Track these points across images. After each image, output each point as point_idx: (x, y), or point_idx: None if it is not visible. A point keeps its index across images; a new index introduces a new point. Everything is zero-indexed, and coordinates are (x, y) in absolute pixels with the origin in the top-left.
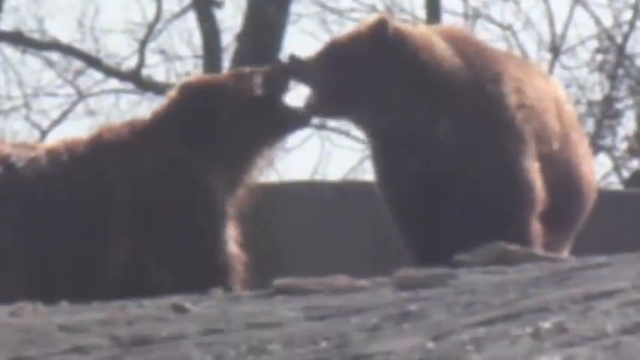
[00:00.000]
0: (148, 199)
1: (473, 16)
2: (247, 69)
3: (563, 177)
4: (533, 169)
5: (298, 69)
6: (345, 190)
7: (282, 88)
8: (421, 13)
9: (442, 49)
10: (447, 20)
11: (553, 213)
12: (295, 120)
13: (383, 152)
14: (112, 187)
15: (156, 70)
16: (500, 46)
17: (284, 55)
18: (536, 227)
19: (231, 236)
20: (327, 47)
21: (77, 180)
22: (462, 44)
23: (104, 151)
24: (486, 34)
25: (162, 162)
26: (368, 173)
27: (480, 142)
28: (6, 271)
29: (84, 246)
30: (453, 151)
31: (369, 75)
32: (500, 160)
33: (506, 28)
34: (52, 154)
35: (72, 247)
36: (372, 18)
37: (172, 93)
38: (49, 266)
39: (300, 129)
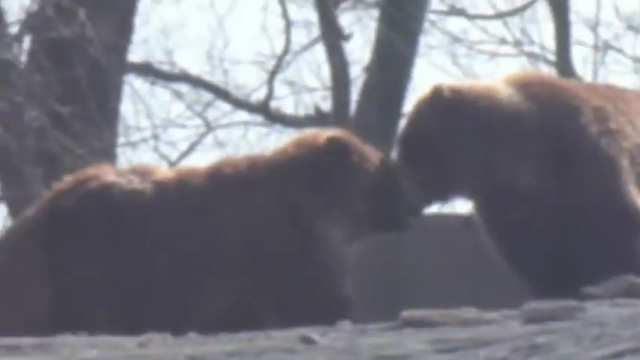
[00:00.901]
0: (260, 240)
1: (603, 48)
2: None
3: None
4: (631, 192)
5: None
6: (473, 223)
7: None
8: (551, 44)
9: (507, 96)
10: (577, 52)
11: None
12: (404, 224)
13: (484, 205)
14: (227, 227)
15: (284, 102)
16: (631, 78)
17: (412, 89)
18: None
19: (346, 284)
20: (399, 142)
21: (186, 216)
22: (537, 87)
23: (221, 186)
24: (617, 67)
25: (280, 204)
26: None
27: (567, 181)
28: (102, 306)
29: (184, 285)
30: (542, 195)
31: (444, 145)
32: (591, 193)
33: (637, 60)
34: (161, 185)
35: (171, 285)
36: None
37: (313, 141)
38: (146, 304)
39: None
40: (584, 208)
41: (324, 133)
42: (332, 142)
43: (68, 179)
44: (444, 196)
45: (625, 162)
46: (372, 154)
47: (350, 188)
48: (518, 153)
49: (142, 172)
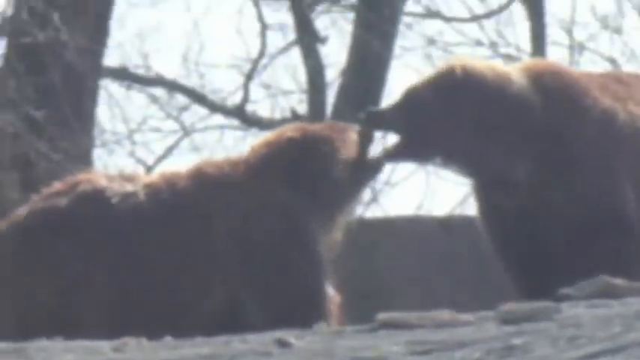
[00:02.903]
0: (251, 236)
1: (578, 48)
2: (341, 123)
3: None
4: (625, 200)
5: (378, 121)
6: (450, 226)
7: (367, 144)
8: (526, 45)
9: (519, 87)
10: (552, 53)
11: None
12: (368, 171)
13: (479, 188)
14: (216, 223)
15: (260, 105)
16: None
17: (388, 91)
18: (633, 257)
19: (327, 278)
20: (405, 95)
21: (178, 215)
22: (549, 79)
23: (206, 186)
24: (593, 67)
25: (266, 200)
26: (473, 208)
27: (563, 180)
28: (100, 306)
29: (183, 283)
30: (537, 189)
31: (442, 121)
32: (586, 195)
33: (612, 61)
34: (151, 188)
35: (170, 284)
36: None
37: (273, 140)
38: (145, 303)
39: (372, 179)
40: (576, 211)
41: (286, 131)
42: (286, 140)
43: (57, 184)
44: (416, 156)
45: (625, 170)
46: (328, 132)
47: (322, 177)
48: (518, 148)
49: (130, 177)
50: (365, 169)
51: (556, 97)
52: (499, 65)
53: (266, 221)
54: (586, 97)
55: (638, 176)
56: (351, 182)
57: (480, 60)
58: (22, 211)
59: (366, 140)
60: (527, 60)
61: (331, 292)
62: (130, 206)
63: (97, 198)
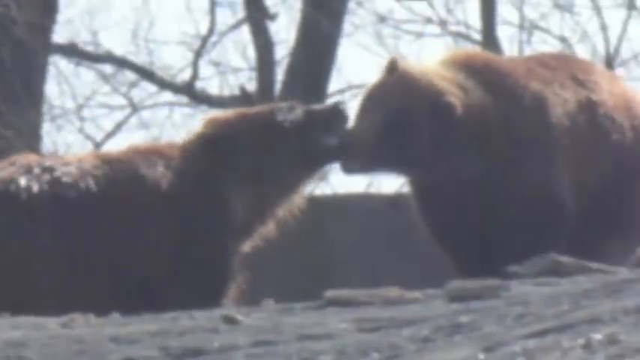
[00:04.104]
0: (173, 209)
1: (529, 27)
2: (286, 104)
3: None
4: (558, 183)
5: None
6: (399, 203)
7: (322, 126)
8: (476, 23)
9: (472, 89)
10: (503, 31)
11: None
12: (327, 155)
13: (420, 189)
14: (146, 189)
15: (210, 82)
16: None
17: (337, 69)
18: (562, 242)
19: (238, 253)
20: (384, 106)
21: (113, 182)
22: (485, 72)
23: (138, 154)
24: (543, 46)
25: (192, 174)
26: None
27: (505, 169)
28: (48, 275)
29: (121, 250)
30: (483, 183)
31: (420, 138)
32: (524, 183)
33: (563, 40)
34: (85, 160)
35: (110, 252)
36: (423, 83)
37: (200, 126)
38: (89, 271)
39: (330, 164)
40: (515, 194)
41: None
42: (208, 123)
43: None
44: (377, 166)
45: (556, 152)
46: (258, 115)
47: (241, 158)
48: (473, 149)
49: (59, 157)
50: (320, 153)
51: (496, 90)
52: (442, 70)
53: (188, 194)
54: (516, 85)
55: (571, 156)
56: (299, 163)
57: (426, 64)
58: None
59: (320, 125)
60: (452, 51)
61: (235, 272)
62: (69, 176)
63: (37, 169)
